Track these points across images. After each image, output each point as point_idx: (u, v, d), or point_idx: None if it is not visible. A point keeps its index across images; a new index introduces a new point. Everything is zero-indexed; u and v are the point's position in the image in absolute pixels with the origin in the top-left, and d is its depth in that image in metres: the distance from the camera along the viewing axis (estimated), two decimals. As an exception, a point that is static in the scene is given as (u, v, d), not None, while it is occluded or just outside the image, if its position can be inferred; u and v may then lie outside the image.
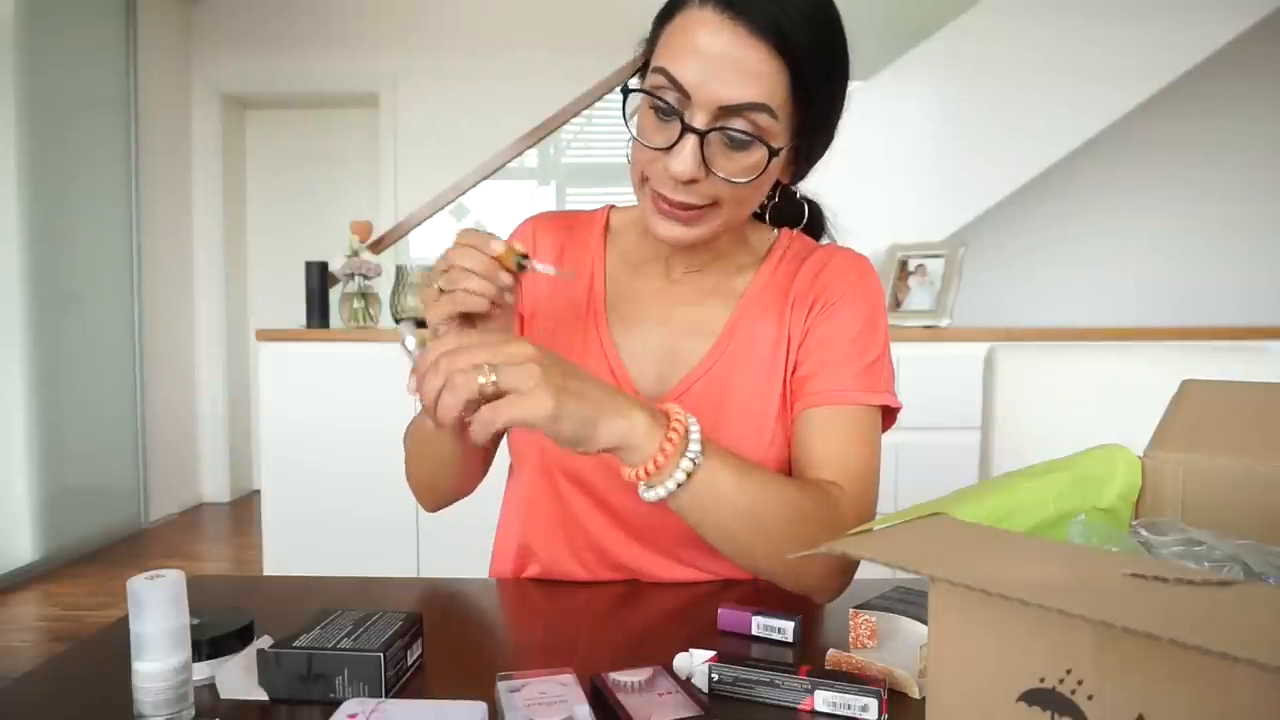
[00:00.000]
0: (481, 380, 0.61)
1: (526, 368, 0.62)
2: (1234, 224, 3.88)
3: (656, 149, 0.76)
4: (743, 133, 0.74)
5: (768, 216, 0.95)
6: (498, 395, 0.62)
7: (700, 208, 0.78)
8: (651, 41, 0.80)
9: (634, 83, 0.80)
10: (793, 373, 0.88)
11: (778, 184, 0.89)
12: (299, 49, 4.67)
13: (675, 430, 0.68)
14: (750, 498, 0.72)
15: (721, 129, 0.74)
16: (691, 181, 0.75)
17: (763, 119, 0.75)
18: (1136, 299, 3.84)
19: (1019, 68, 3.15)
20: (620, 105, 0.81)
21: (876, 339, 0.88)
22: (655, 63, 0.76)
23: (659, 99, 0.75)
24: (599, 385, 0.67)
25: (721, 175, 0.76)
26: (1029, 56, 3.15)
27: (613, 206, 0.98)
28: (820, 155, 0.88)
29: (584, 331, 0.91)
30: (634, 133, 0.79)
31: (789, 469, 0.88)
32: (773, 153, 0.76)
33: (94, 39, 3.98)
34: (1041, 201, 3.75)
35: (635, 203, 0.96)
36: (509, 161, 3.51)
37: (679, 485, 0.68)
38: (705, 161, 0.75)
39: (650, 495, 0.69)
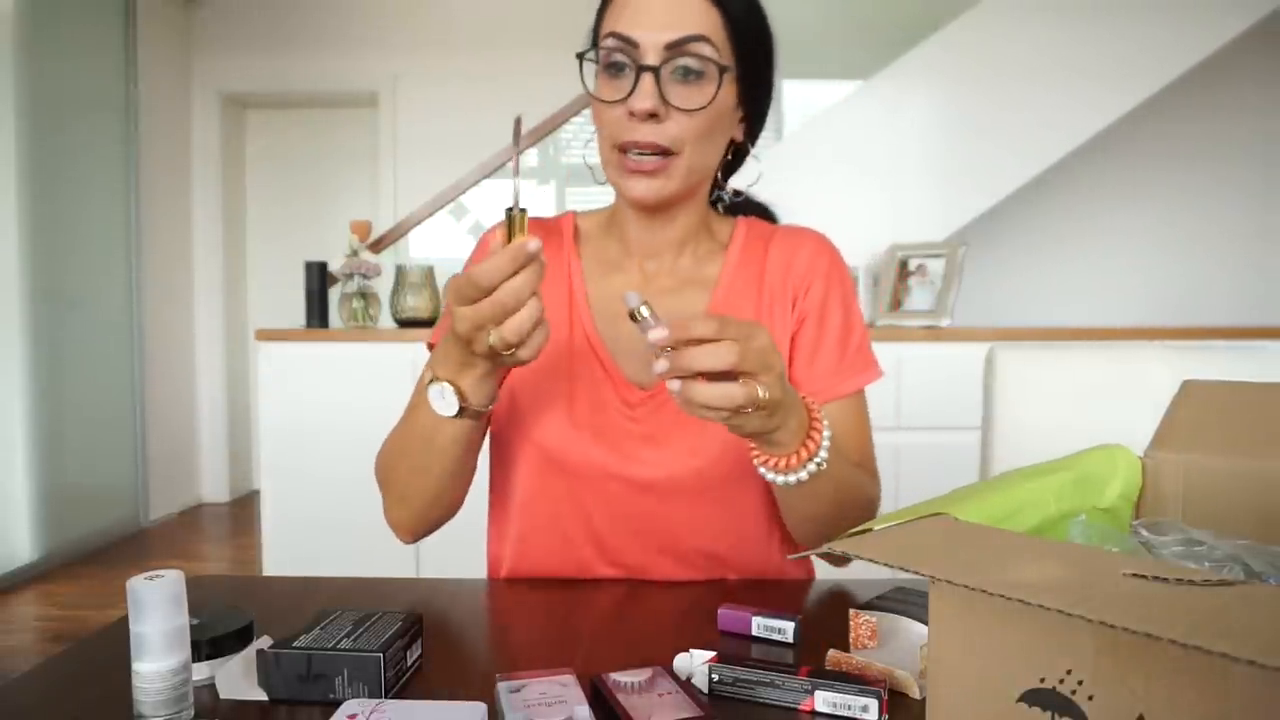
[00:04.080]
0: (761, 393, 0.65)
1: (770, 361, 0.66)
2: (1234, 224, 3.88)
3: (618, 100, 0.83)
4: (694, 57, 0.82)
5: (724, 211, 1.01)
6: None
7: (667, 154, 0.83)
8: (595, 29, 0.88)
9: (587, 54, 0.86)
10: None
11: (740, 152, 0.95)
12: (299, 49, 4.67)
13: (813, 439, 0.74)
14: (840, 493, 0.81)
15: (671, 61, 0.82)
16: (653, 117, 0.81)
17: (706, 50, 0.82)
18: (1136, 299, 3.84)
19: (1019, 68, 3.15)
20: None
21: (854, 322, 0.94)
22: (602, 34, 0.84)
23: (611, 58, 0.83)
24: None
25: (679, 105, 0.82)
26: (1029, 57, 3.15)
27: (575, 212, 1.01)
28: (765, 111, 0.94)
29: (570, 330, 0.92)
30: (595, 94, 0.85)
31: None
32: (722, 70, 0.83)
33: (94, 39, 3.98)
34: (1041, 201, 3.75)
35: (599, 207, 1.01)
36: (509, 161, 3.51)
37: (798, 481, 0.74)
38: (663, 96, 0.81)
39: (768, 476, 0.75)
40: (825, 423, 0.75)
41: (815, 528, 0.84)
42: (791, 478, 0.74)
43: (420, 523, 0.90)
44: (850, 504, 0.83)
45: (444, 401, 0.77)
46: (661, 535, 0.89)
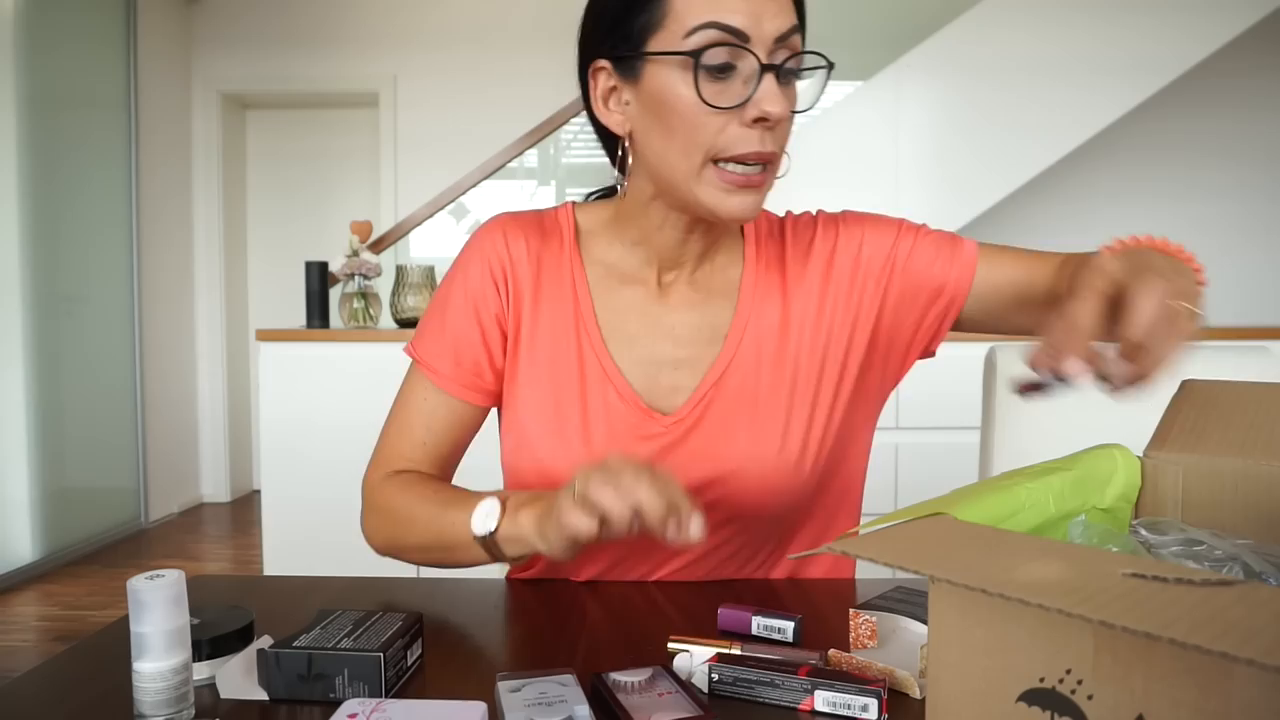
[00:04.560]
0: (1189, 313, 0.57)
1: (1153, 284, 0.56)
2: (1233, 224, 3.88)
3: (732, 107, 0.72)
4: (799, 54, 0.74)
5: None
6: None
7: (768, 164, 0.75)
8: (646, 19, 0.74)
9: (669, 47, 0.72)
10: (851, 346, 0.87)
11: None
12: (299, 49, 4.67)
13: (1197, 274, 0.65)
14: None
15: (788, 60, 0.73)
16: (779, 122, 0.73)
17: (799, 42, 0.74)
18: (1136, 299, 3.83)
19: (1019, 68, 3.15)
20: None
21: (909, 224, 0.89)
22: (692, 23, 0.71)
23: (714, 55, 0.71)
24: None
25: (796, 108, 0.75)
26: (1029, 56, 3.15)
27: (574, 204, 0.92)
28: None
29: (579, 353, 0.85)
30: (706, 100, 0.71)
31: (825, 454, 0.86)
32: (830, 65, 0.76)
33: (94, 39, 3.98)
34: (1041, 201, 3.75)
35: (597, 200, 0.93)
36: (509, 161, 3.51)
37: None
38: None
39: None
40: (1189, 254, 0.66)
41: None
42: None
43: (405, 558, 0.89)
44: None
45: (486, 517, 0.74)
46: (671, 563, 0.88)
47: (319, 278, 2.94)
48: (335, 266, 2.91)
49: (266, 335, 2.75)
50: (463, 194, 3.53)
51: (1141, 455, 0.59)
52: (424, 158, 4.65)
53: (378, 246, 3.20)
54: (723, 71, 0.72)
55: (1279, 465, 0.53)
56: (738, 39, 0.70)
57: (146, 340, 4.25)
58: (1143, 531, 0.52)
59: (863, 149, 3.25)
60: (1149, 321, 0.54)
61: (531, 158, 4.67)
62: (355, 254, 2.90)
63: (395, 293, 2.90)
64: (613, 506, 0.61)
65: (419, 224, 3.50)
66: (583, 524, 0.62)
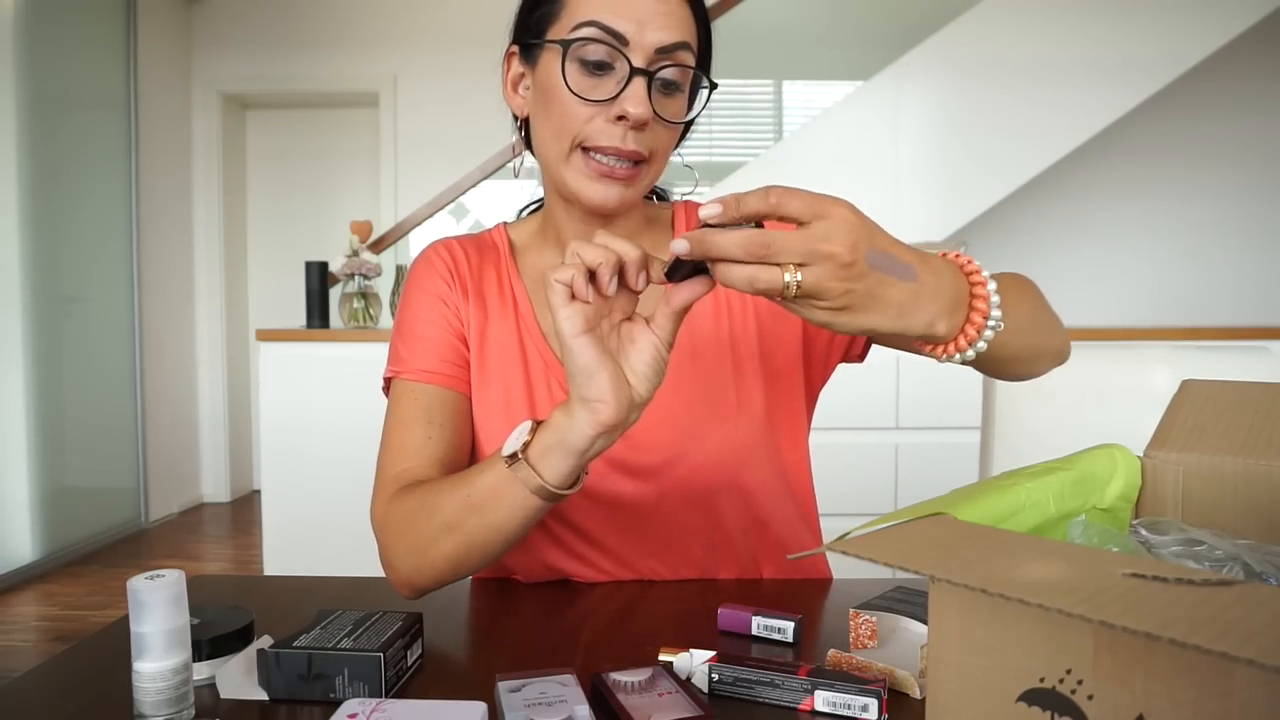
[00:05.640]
0: (787, 279, 0.54)
1: (838, 277, 0.55)
2: (1234, 224, 3.88)
3: (600, 101, 0.76)
4: (679, 67, 0.77)
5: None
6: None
7: (639, 162, 0.78)
8: (547, 4, 0.79)
9: (558, 37, 0.77)
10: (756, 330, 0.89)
11: None
12: (299, 49, 4.67)
13: (978, 310, 0.62)
14: (1030, 318, 0.73)
15: (662, 69, 0.77)
16: (642, 126, 0.76)
17: (688, 58, 0.78)
18: (1136, 299, 3.84)
19: (1019, 68, 3.15)
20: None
21: None
22: (579, 19, 0.76)
23: (591, 51, 0.76)
24: (906, 287, 0.58)
25: (665, 117, 0.78)
26: (1029, 56, 3.15)
27: (506, 224, 0.97)
28: (692, 120, 0.88)
29: (522, 351, 0.88)
30: (573, 89, 0.76)
31: (765, 433, 0.88)
32: (713, 86, 0.81)
33: (94, 39, 3.98)
34: (1041, 201, 3.75)
35: (529, 215, 0.98)
36: (509, 162, 3.51)
37: (978, 354, 0.63)
38: (651, 104, 0.76)
39: (946, 362, 0.66)
40: (993, 291, 0.63)
41: (1024, 362, 0.76)
42: (958, 359, 0.64)
43: (444, 574, 0.77)
44: (1045, 311, 0.77)
45: (517, 437, 0.68)
46: (641, 534, 0.88)
47: (319, 278, 2.94)
48: (335, 266, 2.92)
49: (267, 335, 2.76)
50: (463, 194, 3.53)
51: (1141, 455, 0.59)
52: (424, 158, 4.66)
53: (378, 246, 3.20)
54: (600, 68, 0.76)
55: (1279, 465, 0.53)
56: (615, 41, 0.75)
57: (146, 340, 4.25)
58: (1143, 531, 0.52)
59: (862, 150, 3.26)
60: (744, 210, 0.54)
61: (530, 158, 4.67)
62: (355, 254, 2.90)
63: (395, 293, 2.90)
64: (594, 255, 0.61)
65: (419, 224, 3.51)
66: (566, 273, 0.61)
